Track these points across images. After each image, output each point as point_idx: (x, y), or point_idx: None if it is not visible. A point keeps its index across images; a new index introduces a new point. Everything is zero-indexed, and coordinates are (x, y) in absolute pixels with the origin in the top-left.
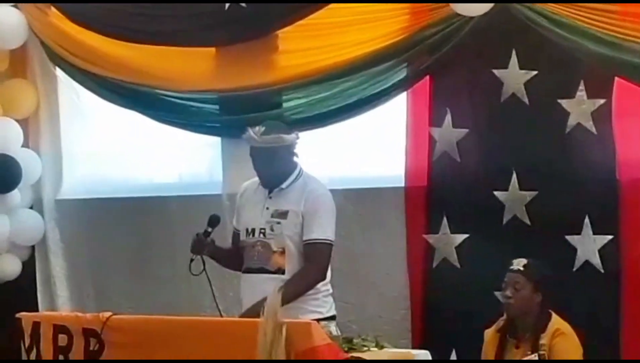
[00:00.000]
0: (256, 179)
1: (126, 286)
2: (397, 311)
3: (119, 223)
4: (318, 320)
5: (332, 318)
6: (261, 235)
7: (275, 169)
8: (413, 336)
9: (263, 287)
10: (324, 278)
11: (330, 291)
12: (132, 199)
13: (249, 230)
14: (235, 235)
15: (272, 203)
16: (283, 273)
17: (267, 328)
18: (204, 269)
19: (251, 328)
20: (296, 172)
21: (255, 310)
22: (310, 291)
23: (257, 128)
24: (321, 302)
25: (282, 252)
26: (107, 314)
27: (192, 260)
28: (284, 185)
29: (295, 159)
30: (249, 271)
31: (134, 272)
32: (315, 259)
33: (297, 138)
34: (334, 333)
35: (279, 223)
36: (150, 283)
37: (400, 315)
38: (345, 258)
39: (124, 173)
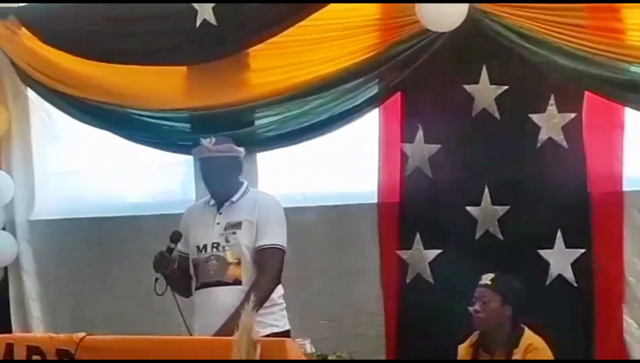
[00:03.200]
0: (201, 201)
1: (101, 306)
2: (372, 327)
3: (92, 243)
4: (275, 334)
5: (288, 333)
6: (214, 249)
7: (226, 180)
8: (387, 352)
9: (221, 300)
10: (278, 283)
11: (284, 305)
12: (105, 219)
13: (201, 247)
14: (182, 258)
15: (223, 217)
16: (240, 284)
17: (241, 346)
18: (165, 291)
19: (226, 347)
20: (244, 186)
21: (228, 327)
22: (267, 304)
23: (208, 139)
24: (278, 316)
25: (238, 263)
26: (81, 334)
27: (156, 280)
28: (234, 198)
29: (241, 174)
30: (206, 285)
31: (108, 292)
32: (268, 265)
33: (244, 152)
34: (309, 350)
35: (234, 233)
36: (125, 302)
37: (375, 331)
38: (319, 274)
39: (96, 193)
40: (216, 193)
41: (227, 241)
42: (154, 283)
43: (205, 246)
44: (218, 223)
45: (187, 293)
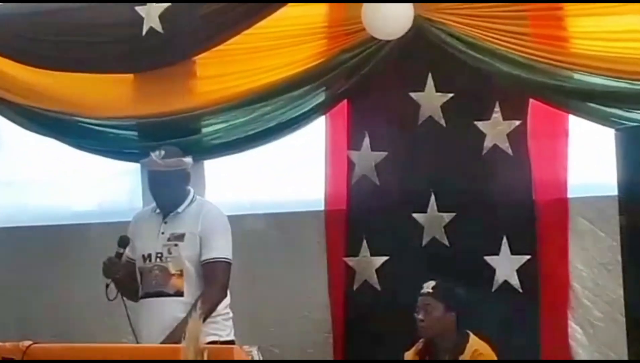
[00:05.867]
0: (148, 207)
1: (47, 315)
2: (320, 334)
3: (38, 252)
4: (216, 342)
5: (231, 342)
6: (158, 259)
7: (174, 193)
8: (335, 358)
9: (162, 310)
10: (225, 296)
11: (231, 315)
12: (51, 227)
13: (146, 256)
14: (130, 264)
15: (168, 227)
16: (182, 295)
17: (188, 354)
18: (116, 297)
19: (172, 354)
20: (190, 196)
21: (175, 336)
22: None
23: (157, 152)
24: (220, 325)
25: (180, 275)
26: (27, 343)
27: (107, 285)
28: (180, 209)
29: (189, 183)
30: (147, 295)
31: (55, 300)
32: (215, 278)
33: (192, 162)
34: (256, 357)
35: (176, 245)
36: (71, 311)
37: (323, 338)
38: (266, 282)
39: (42, 201)
40: (163, 204)
41: (169, 252)
42: (105, 289)
43: (150, 256)
44: (163, 233)
45: (136, 297)
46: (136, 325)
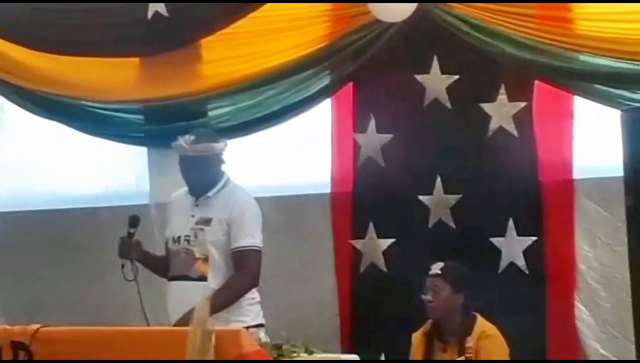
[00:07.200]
0: (186, 188)
1: (55, 299)
2: (326, 317)
3: (45, 236)
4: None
5: (258, 326)
6: (185, 242)
7: (203, 178)
8: (342, 341)
9: (185, 294)
10: (256, 285)
11: (257, 299)
12: (58, 211)
13: (175, 238)
14: (167, 243)
15: (198, 210)
16: (205, 280)
17: (196, 336)
18: (135, 277)
19: (181, 337)
20: (223, 180)
21: (187, 319)
22: None
23: (187, 137)
24: (245, 311)
25: (205, 259)
26: (36, 326)
27: (123, 266)
28: (210, 193)
29: (222, 167)
30: (174, 278)
31: (62, 284)
32: (245, 266)
33: (226, 145)
34: (263, 339)
35: (202, 229)
36: (79, 294)
37: (330, 320)
38: (273, 265)
39: (49, 185)
40: (192, 188)
41: (195, 236)
42: (121, 269)
43: (179, 238)
44: (193, 216)
45: (163, 275)
46: (165, 307)
